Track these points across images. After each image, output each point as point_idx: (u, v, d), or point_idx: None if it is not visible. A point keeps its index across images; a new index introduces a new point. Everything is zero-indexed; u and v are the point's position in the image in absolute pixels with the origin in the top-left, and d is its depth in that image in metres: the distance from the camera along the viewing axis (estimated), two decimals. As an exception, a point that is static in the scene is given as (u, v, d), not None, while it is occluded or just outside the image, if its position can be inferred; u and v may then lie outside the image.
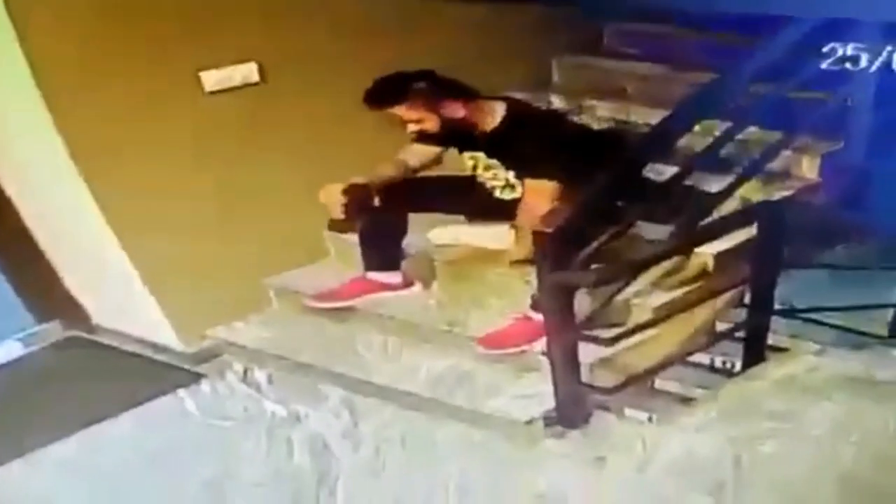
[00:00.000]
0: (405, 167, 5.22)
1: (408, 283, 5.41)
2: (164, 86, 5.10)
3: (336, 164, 5.43)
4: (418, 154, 5.25)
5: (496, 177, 5.20)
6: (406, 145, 5.23)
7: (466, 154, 5.23)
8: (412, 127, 4.98)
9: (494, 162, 5.15)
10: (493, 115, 5.01)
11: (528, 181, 4.96)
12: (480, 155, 5.18)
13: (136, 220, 5.14)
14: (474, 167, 5.24)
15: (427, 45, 5.76)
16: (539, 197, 4.83)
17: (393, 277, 5.38)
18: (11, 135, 5.12)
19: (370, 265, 5.38)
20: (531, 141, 4.90)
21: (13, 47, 4.65)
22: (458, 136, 5.06)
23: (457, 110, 4.92)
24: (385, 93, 4.89)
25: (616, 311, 4.89)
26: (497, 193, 5.25)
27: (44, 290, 5.66)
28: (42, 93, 4.76)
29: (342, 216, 5.02)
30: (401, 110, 4.92)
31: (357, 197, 5.00)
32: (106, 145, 4.96)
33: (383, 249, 5.35)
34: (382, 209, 5.15)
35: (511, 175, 5.14)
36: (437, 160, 5.30)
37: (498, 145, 5.05)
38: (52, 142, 4.88)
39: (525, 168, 4.96)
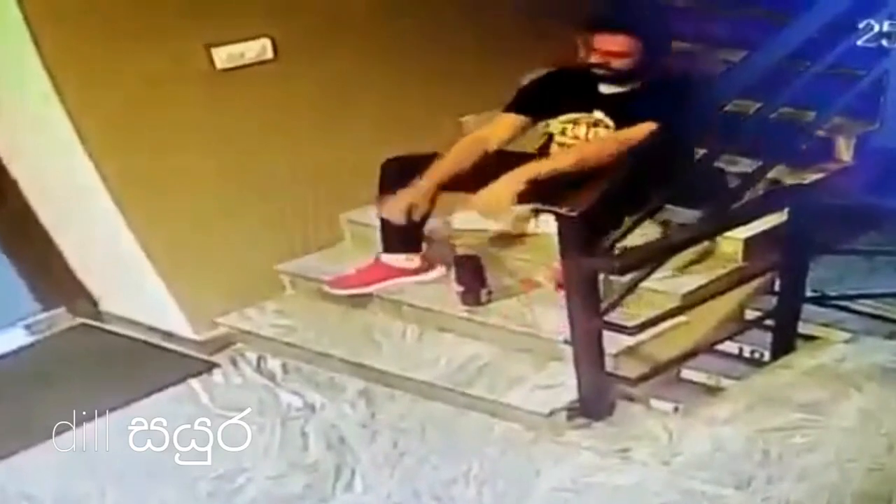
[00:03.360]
0: (483, 151, 5.28)
1: (428, 267, 5.45)
2: (175, 63, 5.16)
3: (352, 145, 5.53)
4: (500, 132, 5.31)
5: (584, 136, 5.27)
6: (486, 121, 5.35)
7: (567, 116, 5.31)
8: (597, 58, 5.14)
9: (605, 119, 5.23)
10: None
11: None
12: (590, 116, 5.27)
13: (146, 203, 5.20)
14: (554, 132, 5.34)
15: (447, 23, 5.90)
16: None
17: (411, 261, 5.40)
18: (18, 115, 5.17)
19: (388, 246, 5.39)
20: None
21: (19, 26, 4.70)
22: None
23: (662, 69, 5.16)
24: (619, 18, 5.11)
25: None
26: (554, 150, 5.31)
27: (50, 276, 5.69)
28: (48, 71, 4.81)
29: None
30: (617, 41, 5.10)
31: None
32: (114, 125, 5.02)
33: (405, 229, 5.33)
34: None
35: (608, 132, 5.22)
36: (518, 134, 5.36)
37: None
38: (59, 122, 4.94)
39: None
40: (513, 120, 5.32)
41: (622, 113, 5.14)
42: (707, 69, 6.03)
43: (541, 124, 5.39)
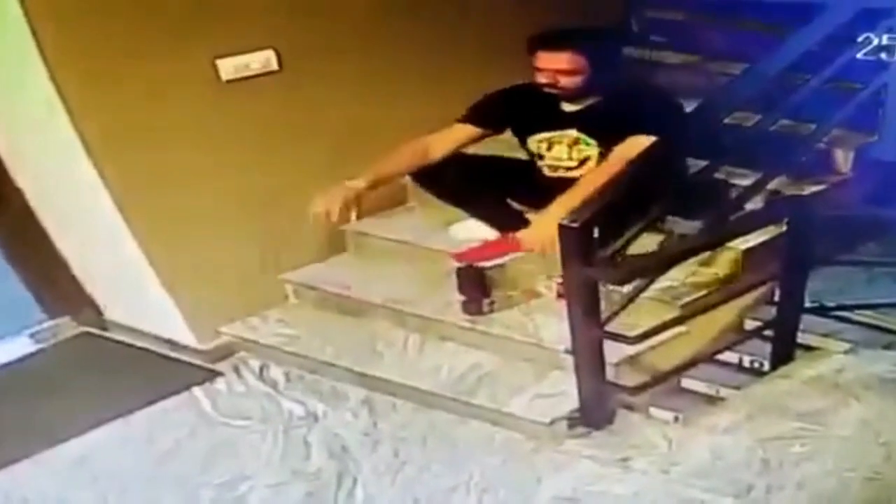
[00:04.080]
0: (424, 157, 5.33)
1: None
2: (180, 74, 5.14)
3: (356, 157, 5.51)
4: (445, 142, 5.35)
5: (567, 157, 5.31)
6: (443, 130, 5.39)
7: (540, 136, 5.36)
8: (544, 78, 5.14)
9: (584, 137, 5.25)
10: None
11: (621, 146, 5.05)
12: (564, 134, 5.30)
13: (151, 213, 5.19)
14: (535, 152, 5.39)
15: (448, 29, 5.96)
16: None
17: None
18: (23, 123, 5.17)
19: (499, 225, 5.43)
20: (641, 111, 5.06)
21: (24, 32, 4.68)
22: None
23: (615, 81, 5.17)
24: (561, 37, 5.10)
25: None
26: (547, 172, 5.37)
27: (55, 285, 5.70)
28: (55, 81, 4.79)
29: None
30: (561, 59, 5.09)
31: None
32: (120, 136, 5.00)
33: (491, 201, 5.45)
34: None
35: (594, 149, 5.23)
36: (466, 144, 5.41)
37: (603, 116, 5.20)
38: (64, 132, 4.92)
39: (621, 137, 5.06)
40: (460, 130, 5.38)
41: (595, 128, 5.20)
42: (657, 78, 6.24)
43: (507, 138, 5.47)
